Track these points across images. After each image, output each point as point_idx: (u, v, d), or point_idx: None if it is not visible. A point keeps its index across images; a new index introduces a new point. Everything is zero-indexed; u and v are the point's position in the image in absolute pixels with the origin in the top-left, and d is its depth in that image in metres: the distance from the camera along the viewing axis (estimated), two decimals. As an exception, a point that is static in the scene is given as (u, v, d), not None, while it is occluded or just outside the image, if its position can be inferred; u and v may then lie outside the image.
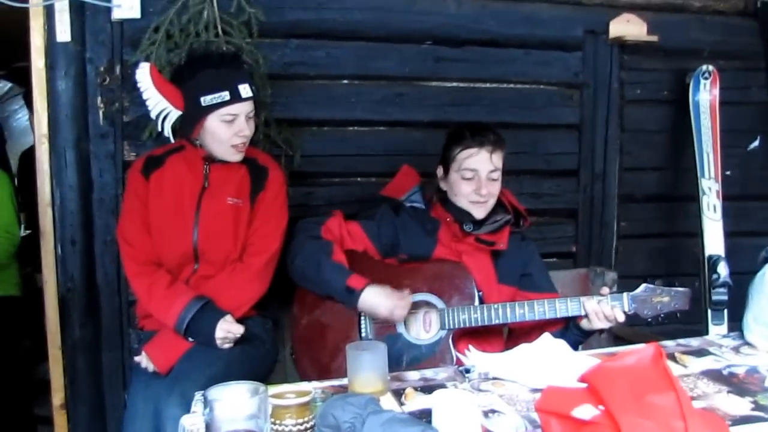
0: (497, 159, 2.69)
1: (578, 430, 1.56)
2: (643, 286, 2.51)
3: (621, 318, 2.49)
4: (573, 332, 2.58)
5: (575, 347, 2.57)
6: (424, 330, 2.64)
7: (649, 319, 2.54)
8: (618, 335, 3.32)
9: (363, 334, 2.67)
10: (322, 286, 2.62)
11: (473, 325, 2.57)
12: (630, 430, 1.45)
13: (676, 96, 3.93)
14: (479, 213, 2.70)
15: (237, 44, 3.10)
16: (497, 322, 2.57)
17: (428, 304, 2.65)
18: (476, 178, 2.67)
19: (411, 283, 2.63)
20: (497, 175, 2.70)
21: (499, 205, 2.79)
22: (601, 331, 2.59)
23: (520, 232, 2.86)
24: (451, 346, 2.60)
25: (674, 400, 1.54)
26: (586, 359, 2.11)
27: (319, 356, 2.75)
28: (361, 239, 2.76)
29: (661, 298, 2.52)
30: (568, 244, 3.91)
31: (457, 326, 2.59)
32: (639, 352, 1.72)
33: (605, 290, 2.54)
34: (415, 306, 2.63)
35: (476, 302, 2.62)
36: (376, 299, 2.50)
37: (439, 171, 2.81)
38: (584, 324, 2.54)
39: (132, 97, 3.16)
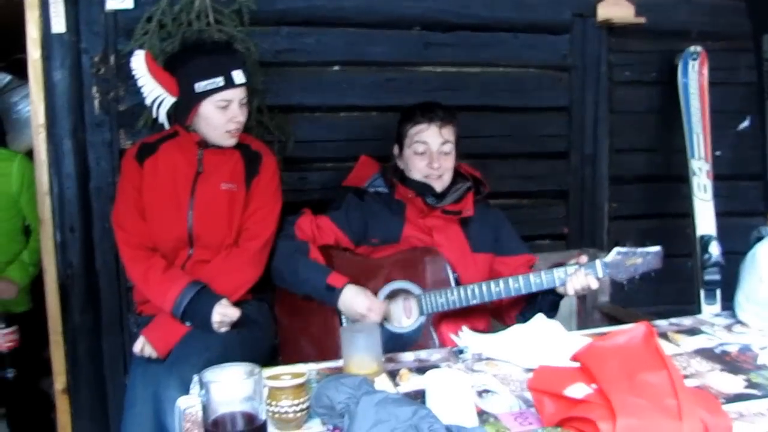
0: (447, 133, 2.76)
1: (571, 408, 1.58)
2: (615, 250, 2.54)
3: (594, 285, 2.52)
4: (549, 296, 2.62)
5: (554, 309, 2.65)
6: (405, 317, 2.68)
7: (625, 282, 2.56)
8: (611, 315, 3.35)
9: (343, 323, 2.71)
10: (301, 286, 2.68)
11: (451, 307, 2.61)
12: (622, 408, 1.46)
13: (665, 77, 3.95)
14: (438, 185, 2.75)
15: (229, 32, 3.14)
16: (474, 302, 2.60)
17: (406, 291, 2.69)
18: (428, 152, 2.73)
19: (386, 272, 2.68)
20: (449, 148, 2.76)
21: (458, 176, 2.84)
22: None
23: (484, 200, 2.90)
24: (432, 330, 2.64)
25: (666, 378, 1.55)
26: (579, 339, 2.13)
27: (302, 346, 2.81)
28: (332, 231, 2.80)
29: (634, 260, 2.54)
30: (560, 225, 3.93)
31: (435, 310, 2.63)
32: (630, 331, 1.72)
33: (583, 258, 2.57)
34: (394, 294, 2.68)
35: (452, 284, 2.64)
36: (356, 298, 2.56)
37: (395, 149, 2.88)
38: (560, 290, 2.57)
39: (127, 86, 3.19)
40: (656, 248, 2.55)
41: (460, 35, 3.63)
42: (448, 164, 2.76)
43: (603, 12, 3.74)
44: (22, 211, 3.60)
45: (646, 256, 2.54)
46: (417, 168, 2.75)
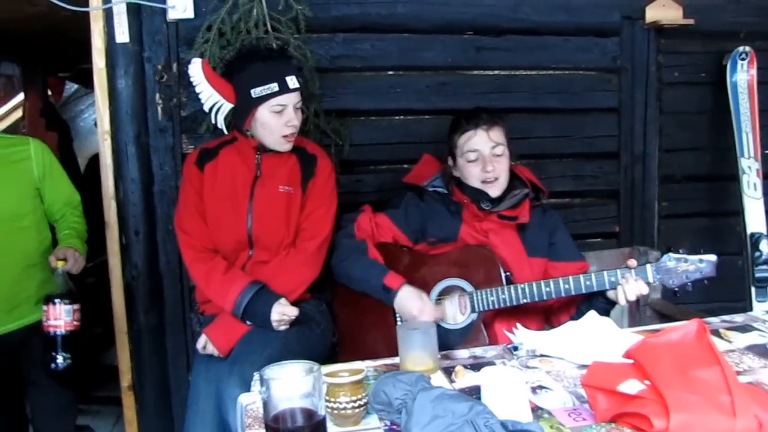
0: (495, 135, 2.76)
1: (624, 404, 1.58)
2: (667, 255, 2.51)
3: (644, 290, 2.50)
4: (600, 301, 2.61)
5: (603, 315, 2.58)
6: (460, 314, 2.70)
7: (677, 288, 2.54)
8: (662, 313, 3.32)
9: (398, 322, 2.76)
10: (359, 284, 2.72)
11: (502, 305, 2.63)
12: (676, 404, 1.45)
13: (714, 77, 3.92)
14: (493, 192, 2.76)
15: (285, 40, 3.18)
16: (525, 301, 2.61)
17: (459, 288, 2.72)
18: (480, 158, 2.75)
19: (441, 268, 2.71)
20: (500, 150, 2.77)
21: (516, 180, 2.85)
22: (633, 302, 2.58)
23: (541, 205, 2.91)
24: (483, 328, 2.67)
25: (719, 374, 1.53)
26: (631, 336, 2.13)
27: (358, 342, 2.86)
28: (390, 229, 2.85)
29: (687, 267, 2.51)
30: (611, 224, 3.92)
31: (486, 308, 2.64)
32: (682, 327, 1.69)
33: (632, 262, 2.55)
34: (448, 291, 2.71)
35: (504, 283, 2.66)
36: (409, 301, 2.59)
37: (449, 161, 2.90)
38: (610, 295, 2.56)
39: (189, 93, 3.26)
40: (711, 257, 2.51)
41: (512, 39, 3.65)
42: (502, 166, 2.77)
43: (651, 14, 3.74)
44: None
45: (700, 264, 2.51)
46: (472, 175, 2.77)
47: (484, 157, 2.75)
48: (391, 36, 3.54)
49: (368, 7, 3.49)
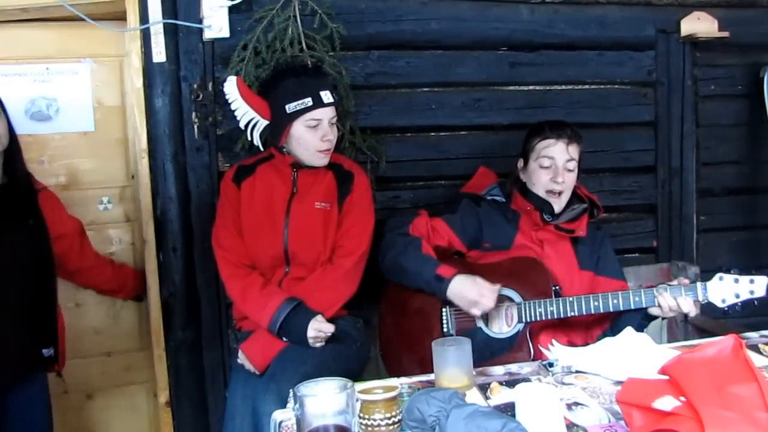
0: (573, 151, 2.79)
1: (660, 421, 1.55)
2: (718, 275, 2.49)
3: (689, 309, 2.49)
4: (636, 317, 2.61)
5: (639, 330, 2.56)
6: (506, 324, 2.70)
7: (726, 308, 2.51)
8: (702, 328, 3.31)
9: (445, 330, 2.76)
10: (413, 278, 2.72)
11: (549, 317, 2.63)
12: (712, 421, 1.42)
13: (751, 90, 3.90)
14: (557, 206, 2.78)
15: (320, 57, 3.20)
16: (572, 314, 2.61)
17: (507, 298, 2.72)
18: (553, 166, 2.77)
19: (490, 278, 2.68)
20: (573, 165, 2.79)
21: (575, 196, 2.87)
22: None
23: (595, 222, 2.92)
24: (528, 338, 2.67)
25: (757, 390, 1.50)
26: (666, 351, 2.11)
27: (404, 352, 2.85)
28: (445, 233, 2.85)
29: (737, 287, 2.48)
30: (649, 239, 3.90)
31: (534, 319, 2.65)
32: (718, 343, 1.66)
33: (685, 281, 2.55)
34: (497, 301, 2.68)
35: (552, 295, 2.67)
36: (464, 287, 2.59)
37: (519, 163, 2.91)
38: (654, 311, 2.56)
39: (225, 112, 3.27)
40: (763, 278, 2.49)
41: (546, 54, 3.66)
42: (570, 181, 2.80)
43: (686, 27, 3.73)
44: None
45: (751, 284, 2.49)
46: (541, 182, 2.79)
47: (558, 167, 2.78)
48: (425, 53, 3.55)
49: (403, 24, 3.50)
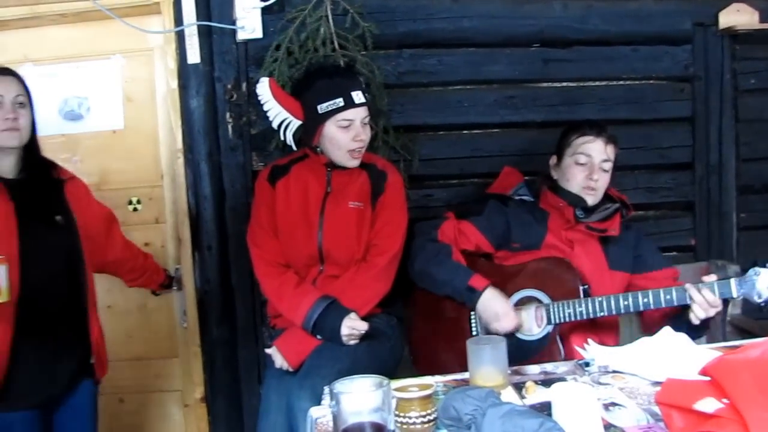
0: (611, 151, 2.77)
1: (701, 423, 1.51)
2: (753, 269, 2.42)
3: (719, 304, 2.44)
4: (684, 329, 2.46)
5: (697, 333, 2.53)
6: (536, 326, 2.69)
7: (763, 304, 2.43)
8: (742, 328, 3.26)
9: (474, 333, 2.77)
10: (443, 287, 2.72)
11: (578, 318, 2.61)
12: (757, 425, 1.39)
13: (793, 83, 3.81)
14: (591, 199, 2.76)
15: (352, 57, 3.21)
16: (602, 314, 2.59)
17: (535, 300, 2.71)
18: (589, 164, 2.74)
19: (518, 279, 2.70)
20: (608, 166, 2.76)
21: (607, 197, 2.84)
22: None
23: (625, 222, 2.88)
24: (558, 340, 2.65)
25: None
26: (707, 352, 2.09)
27: (433, 353, 2.87)
28: (473, 236, 2.84)
29: None
30: (687, 237, 3.83)
31: (563, 320, 2.63)
32: (762, 344, 1.62)
33: (711, 277, 2.49)
34: (524, 302, 2.70)
35: (581, 296, 2.64)
36: (493, 301, 2.60)
37: (553, 159, 2.89)
38: (692, 317, 2.48)
39: (258, 111, 3.27)
40: None
41: (580, 50, 3.62)
42: (603, 182, 2.78)
43: (725, 20, 3.65)
44: None
45: None
46: (575, 178, 2.78)
47: (594, 165, 2.76)
48: (457, 51, 3.54)
49: (434, 22, 3.49)
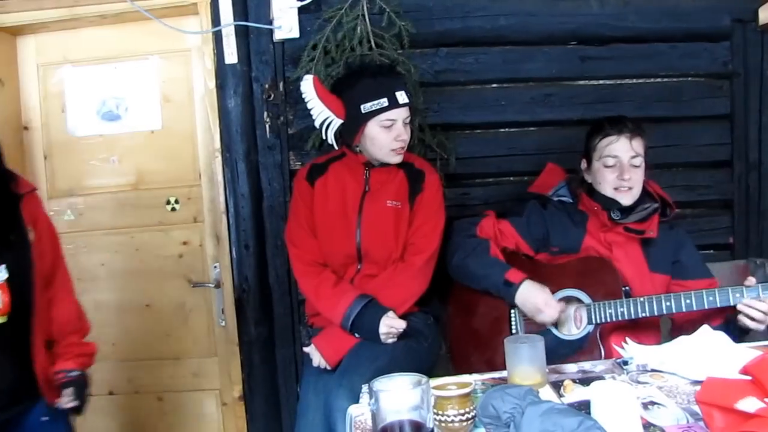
0: (637, 145, 2.73)
1: (743, 423, 1.52)
2: None
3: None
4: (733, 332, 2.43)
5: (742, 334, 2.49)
6: (575, 326, 2.67)
7: None
8: None
9: (513, 331, 2.76)
10: (481, 281, 2.72)
11: (619, 319, 2.58)
12: None
13: (834, 80, 3.75)
14: (625, 200, 2.72)
15: (389, 55, 3.22)
16: (643, 315, 2.56)
17: (577, 299, 2.69)
18: (618, 164, 2.71)
19: (559, 279, 2.68)
20: (639, 161, 2.73)
21: (646, 195, 2.79)
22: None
23: (668, 221, 2.83)
24: (599, 340, 2.63)
25: None
26: (747, 351, 2.07)
27: (472, 352, 2.84)
28: (512, 236, 2.83)
29: None
30: (725, 235, 3.80)
31: (603, 320, 2.61)
32: None
33: (751, 280, 2.45)
34: (566, 302, 2.68)
35: (622, 296, 2.62)
36: (533, 293, 2.59)
37: (583, 164, 2.86)
38: (741, 323, 2.43)
39: (295, 111, 3.35)
40: None
41: (617, 48, 3.60)
42: (638, 177, 2.73)
43: (765, 16, 3.60)
44: None
45: None
46: (607, 181, 2.74)
47: (623, 164, 2.72)
48: (494, 49, 3.54)
49: (471, 21, 3.49)
